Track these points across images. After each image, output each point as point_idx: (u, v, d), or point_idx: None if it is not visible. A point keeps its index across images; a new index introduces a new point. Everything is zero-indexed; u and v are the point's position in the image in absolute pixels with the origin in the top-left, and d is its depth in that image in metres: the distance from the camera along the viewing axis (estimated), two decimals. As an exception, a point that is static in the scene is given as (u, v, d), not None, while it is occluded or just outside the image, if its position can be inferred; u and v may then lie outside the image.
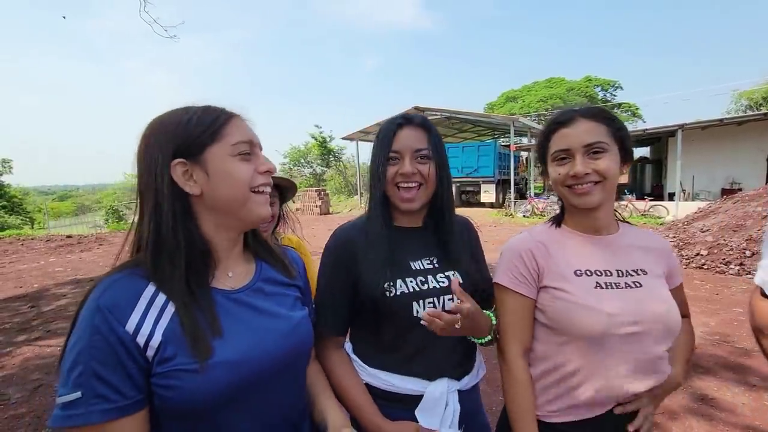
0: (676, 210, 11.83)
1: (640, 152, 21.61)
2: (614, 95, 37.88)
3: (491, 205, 16.62)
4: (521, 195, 16.92)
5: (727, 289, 5.09)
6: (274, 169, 0.82)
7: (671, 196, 13.58)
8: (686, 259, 6.47)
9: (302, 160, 28.74)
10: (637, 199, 13.61)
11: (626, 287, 0.94)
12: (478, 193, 16.94)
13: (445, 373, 1.01)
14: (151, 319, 0.67)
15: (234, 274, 0.81)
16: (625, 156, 0.98)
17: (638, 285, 0.95)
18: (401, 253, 1.03)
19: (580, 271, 0.95)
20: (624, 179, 0.98)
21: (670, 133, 13.91)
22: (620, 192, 1.04)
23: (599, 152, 0.93)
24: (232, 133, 0.76)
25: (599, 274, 0.95)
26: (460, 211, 1.10)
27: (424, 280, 1.01)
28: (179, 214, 0.72)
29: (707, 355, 3.35)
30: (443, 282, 1.03)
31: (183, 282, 0.71)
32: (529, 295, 0.98)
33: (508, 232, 10.12)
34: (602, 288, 0.93)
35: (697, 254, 6.44)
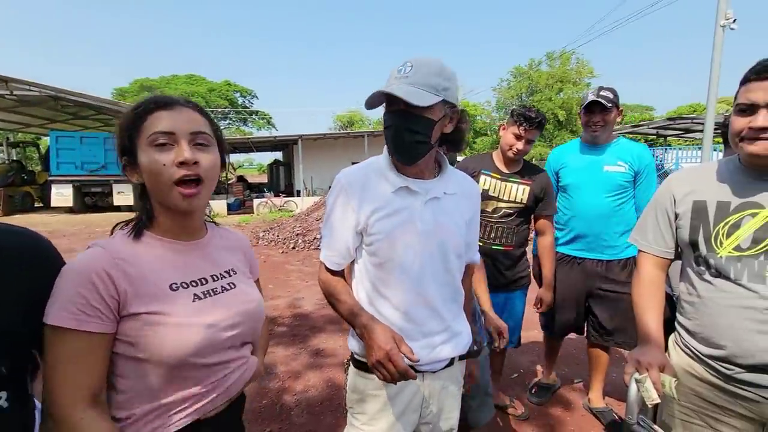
0: (302, 204, 14.65)
1: (276, 156, 25.20)
2: (252, 103, 41.85)
3: (130, 209, 14.27)
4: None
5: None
6: None
7: (299, 193, 16.72)
8: (308, 242, 8.14)
9: None
10: (275, 196, 15.87)
11: (222, 291, 0.94)
12: (110, 194, 14.15)
13: None
14: None
15: None
16: (224, 160, 0.98)
17: (232, 286, 0.97)
18: None
19: (176, 284, 0.87)
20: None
21: (294, 141, 17.16)
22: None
23: (204, 145, 0.88)
24: None
25: (195, 284, 0.90)
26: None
27: None
28: None
29: (318, 317, 4.33)
30: None
31: None
32: (103, 331, 0.78)
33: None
34: (200, 299, 0.89)
35: (315, 238, 8.25)
